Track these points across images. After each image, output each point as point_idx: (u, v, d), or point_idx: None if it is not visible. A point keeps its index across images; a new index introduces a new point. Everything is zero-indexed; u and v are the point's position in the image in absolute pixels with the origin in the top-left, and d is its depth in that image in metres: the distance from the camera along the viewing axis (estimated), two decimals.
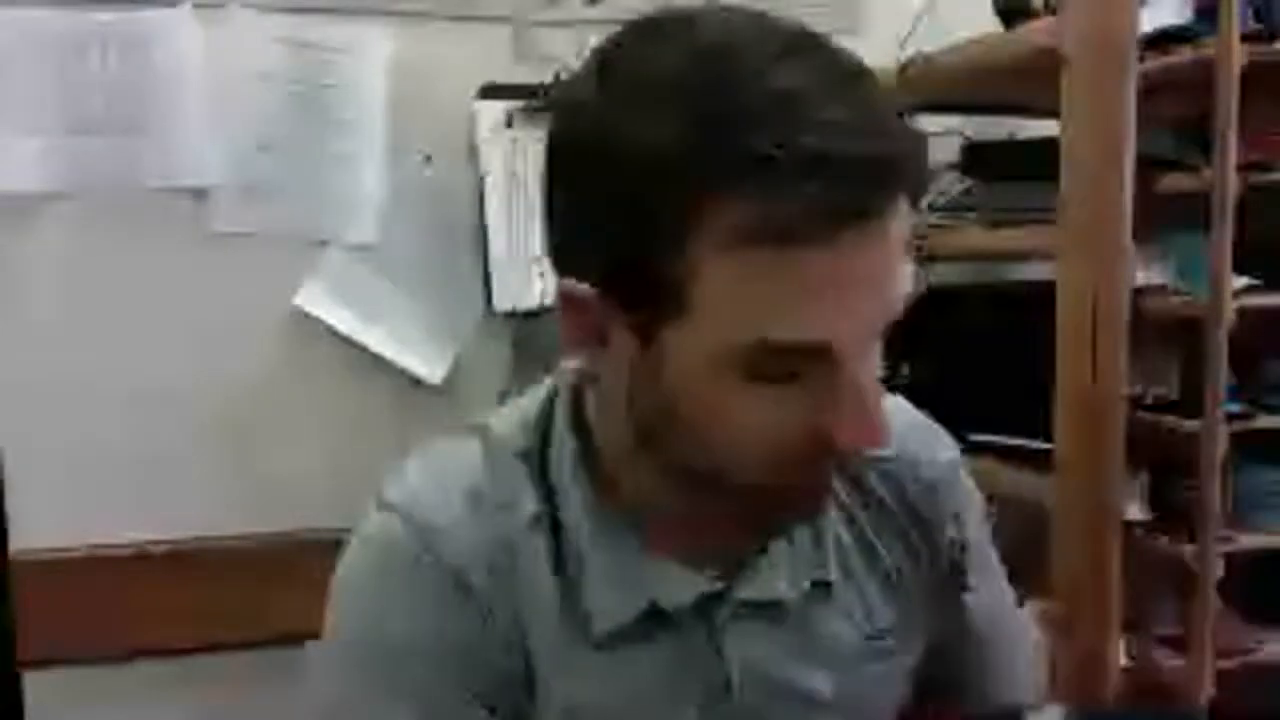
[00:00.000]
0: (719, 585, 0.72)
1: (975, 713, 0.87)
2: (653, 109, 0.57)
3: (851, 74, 0.58)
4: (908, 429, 0.81)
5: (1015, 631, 0.87)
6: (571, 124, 0.62)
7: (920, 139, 0.59)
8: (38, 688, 1.44)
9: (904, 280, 0.60)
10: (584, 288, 0.61)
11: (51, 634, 1.42)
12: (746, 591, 0.73)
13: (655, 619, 0.71)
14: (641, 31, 0.61)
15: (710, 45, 0.58)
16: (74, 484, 1.45)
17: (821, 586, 0.75)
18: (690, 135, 0.56)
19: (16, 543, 1.42)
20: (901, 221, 0.58)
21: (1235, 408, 1.34)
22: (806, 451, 0.61)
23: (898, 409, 0.82)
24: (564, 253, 0.64)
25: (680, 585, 0.71)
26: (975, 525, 0.83)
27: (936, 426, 0.83)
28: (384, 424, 1.54)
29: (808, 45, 0.58)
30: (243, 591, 1.45)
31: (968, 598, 0.83)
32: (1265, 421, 1.37)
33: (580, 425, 0.72)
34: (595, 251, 0.61)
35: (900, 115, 0.59)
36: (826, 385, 0.59)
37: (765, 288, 0.57)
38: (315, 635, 0.72)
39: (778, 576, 0.74)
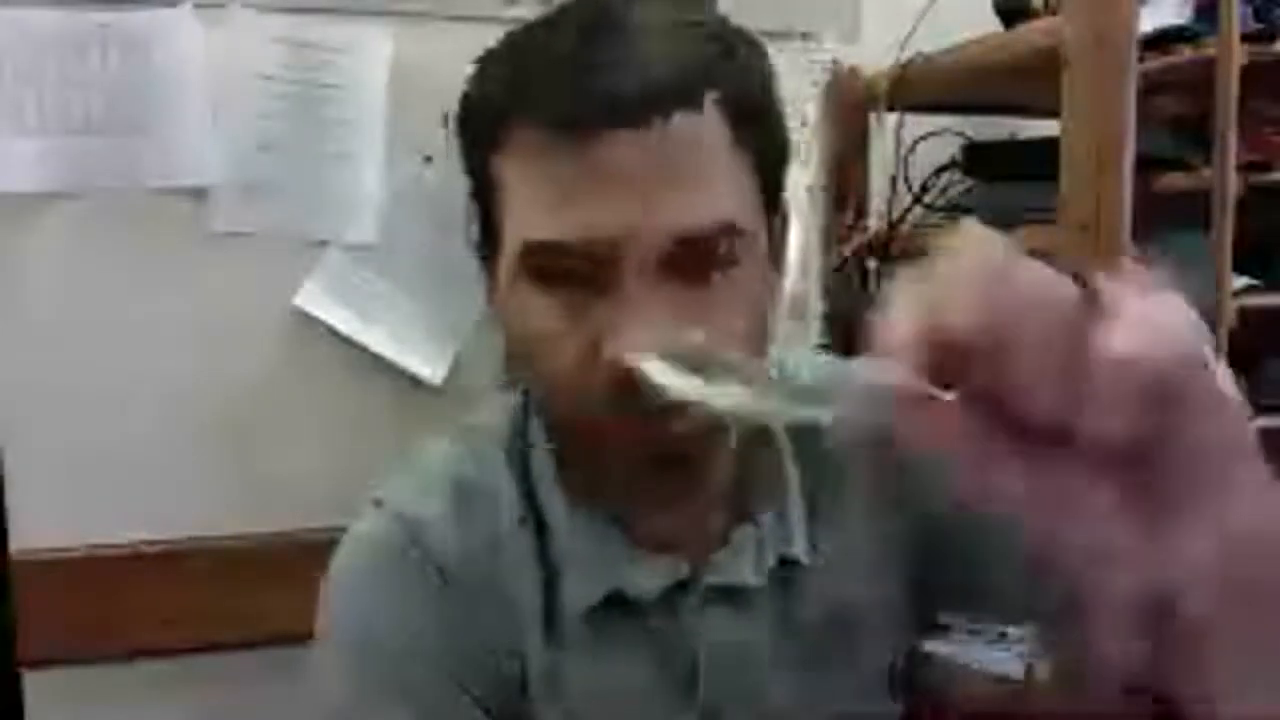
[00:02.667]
0: (685, 573, 0.73)
1: (973, 712, 0.87)
2: (487, 64, 0.71)
3: (655, 23, 0.65)
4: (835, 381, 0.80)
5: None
6: None
7: (690, 82, 0.64)
8: (38, 688, 1.44)
9: (688, 200, 0.63)
10: (476, 244, 0.74)
11: (51, 634, 1.42)
12: (713, 578, 0.74)
13: (627, 610, 0.72)
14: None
15: (564, 11, 0.69)
16: (74, 484, 1.45)
17: (791, 565, 0.76)
18: (503, 76, 0.68)
19: (16, 543, 1.42)
20: (676, 142, 0.62)
21: None
22: (595, 372, 0.64)
23: (831, 365, 0.84)
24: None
25: (647, 574, 0.72)
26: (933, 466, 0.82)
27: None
28: (384, 424, 1.54)
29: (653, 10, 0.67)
30: (243, 591, 1.45)
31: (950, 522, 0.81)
32: (1265, 421, 1.37)
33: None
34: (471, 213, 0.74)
35: (725, 54, 0.66)
36: (608, 303, 0.63)
37: (530, 191, 0.64)
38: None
39: (744, 561, 0.75)
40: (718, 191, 0.64)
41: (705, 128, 0.63)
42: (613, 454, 0.67)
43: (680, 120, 0.62)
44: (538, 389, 0.71)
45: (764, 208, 0.69)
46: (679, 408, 0.63)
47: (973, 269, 0.38)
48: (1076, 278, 0.39)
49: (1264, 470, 0.43)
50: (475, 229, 0.74)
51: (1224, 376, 0.41)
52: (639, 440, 0.66)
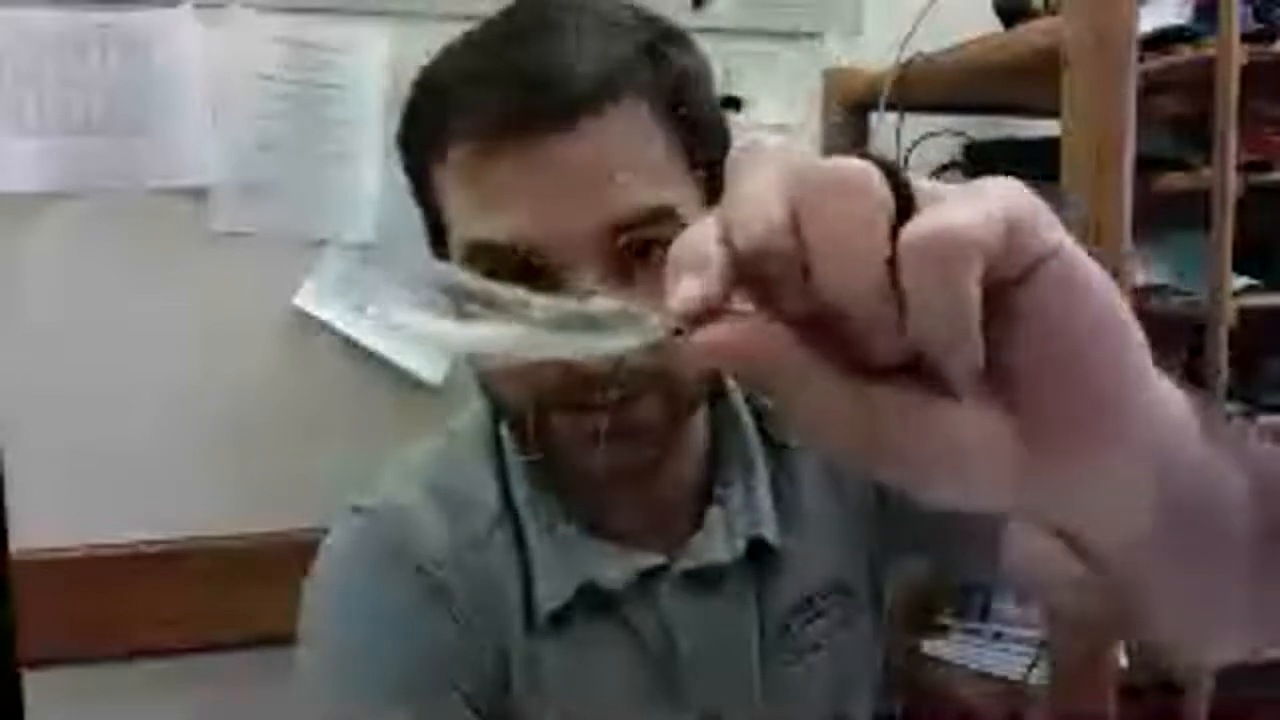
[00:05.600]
0: (656, 561, 0.73)
1: (973, 713, 0.87)
2: (426, 74, 0.71)
3: (579, 26, 0.67)
4: None
5: None
6: None
7: (611, 79, 0.65)
8: (38, 688, 1.44)
9: (620, 191, 0.64)
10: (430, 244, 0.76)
11: (51, 634, 1.42)
12: (685, 563, 0.74)
13: (602, 602, 0.72)
14: None
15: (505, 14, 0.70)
16: (74, 484, 1.45)
17: (762, 547, 0.76)
18: (439, 86, 0.69)
19: (16, 543, 1.42)
20: (590, 142, 0.64)
21: (1235, 408, 1.34)
22: (546, 376, 0.66)
23: None
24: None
25: (617, 565, 0.73)
26: None
27: None
28: (384, 424, 1.54)
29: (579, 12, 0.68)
30: (242, 591, 1.45)
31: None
32: (1265, 421, 1.37)
33: None
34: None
35: (645, 61, 0.67)
36: None
37: (467, 196, 0.67)
38: None
39: (716, 540, 0.75)
40: (651, 180, 0.65)
41: (631, 121, 0.65)
42: (569, 449, 0.68)
43: (603, 117, 0.64)
44: (495, 393, 0.72)
45: (713, 196, 0.69)
46: (632, 401, 0.65)
47: (768, 175, 0.32)
48: (889, 175, 0.32)
49: (1166, 388, 0.39)
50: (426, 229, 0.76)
51: (1092, 267, 0.36)
52: (593, 436, 0.66)
